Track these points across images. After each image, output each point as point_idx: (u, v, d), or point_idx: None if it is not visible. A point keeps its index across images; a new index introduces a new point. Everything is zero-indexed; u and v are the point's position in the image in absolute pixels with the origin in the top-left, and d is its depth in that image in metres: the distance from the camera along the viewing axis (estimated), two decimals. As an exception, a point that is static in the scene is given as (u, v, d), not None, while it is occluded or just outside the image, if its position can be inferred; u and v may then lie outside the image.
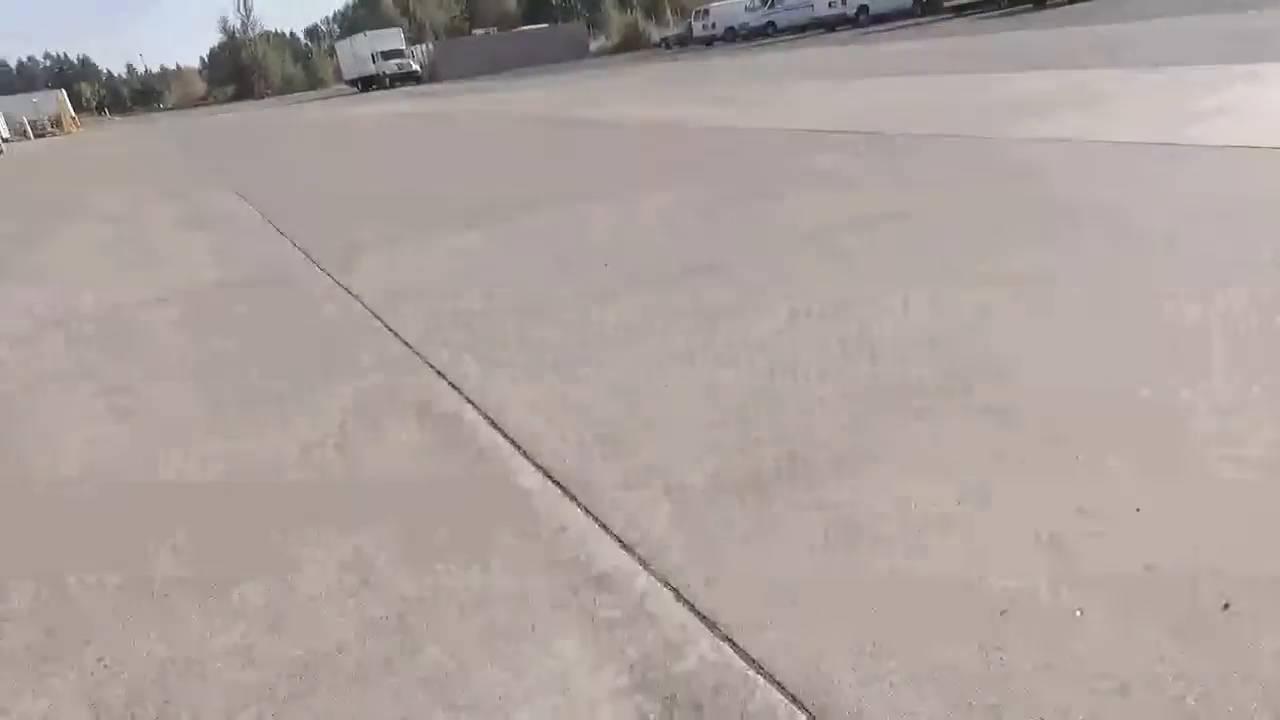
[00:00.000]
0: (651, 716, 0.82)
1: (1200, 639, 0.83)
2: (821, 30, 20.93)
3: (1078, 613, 0.88)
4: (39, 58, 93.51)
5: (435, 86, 24.36)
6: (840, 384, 1.46)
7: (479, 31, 38.29)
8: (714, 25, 26.27)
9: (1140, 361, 1.40)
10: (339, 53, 35.34)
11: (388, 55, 29.86)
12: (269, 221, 4.08)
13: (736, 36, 24.60)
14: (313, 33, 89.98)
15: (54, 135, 25.03)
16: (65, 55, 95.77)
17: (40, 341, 2.50)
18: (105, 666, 1.01)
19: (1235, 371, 1.32)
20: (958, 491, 1.11)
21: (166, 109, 56.83)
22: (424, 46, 32.28)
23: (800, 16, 22.44)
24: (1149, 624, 0.85)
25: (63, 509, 1.45)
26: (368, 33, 30.98)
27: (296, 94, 46.28)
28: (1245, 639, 0.82)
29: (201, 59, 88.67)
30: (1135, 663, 0.81)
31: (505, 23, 43.80)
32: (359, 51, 30.62)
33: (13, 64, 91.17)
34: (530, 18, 45.67)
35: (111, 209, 5.42)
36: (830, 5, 21.28)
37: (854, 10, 20.92)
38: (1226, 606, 0.86)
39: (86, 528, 1.37)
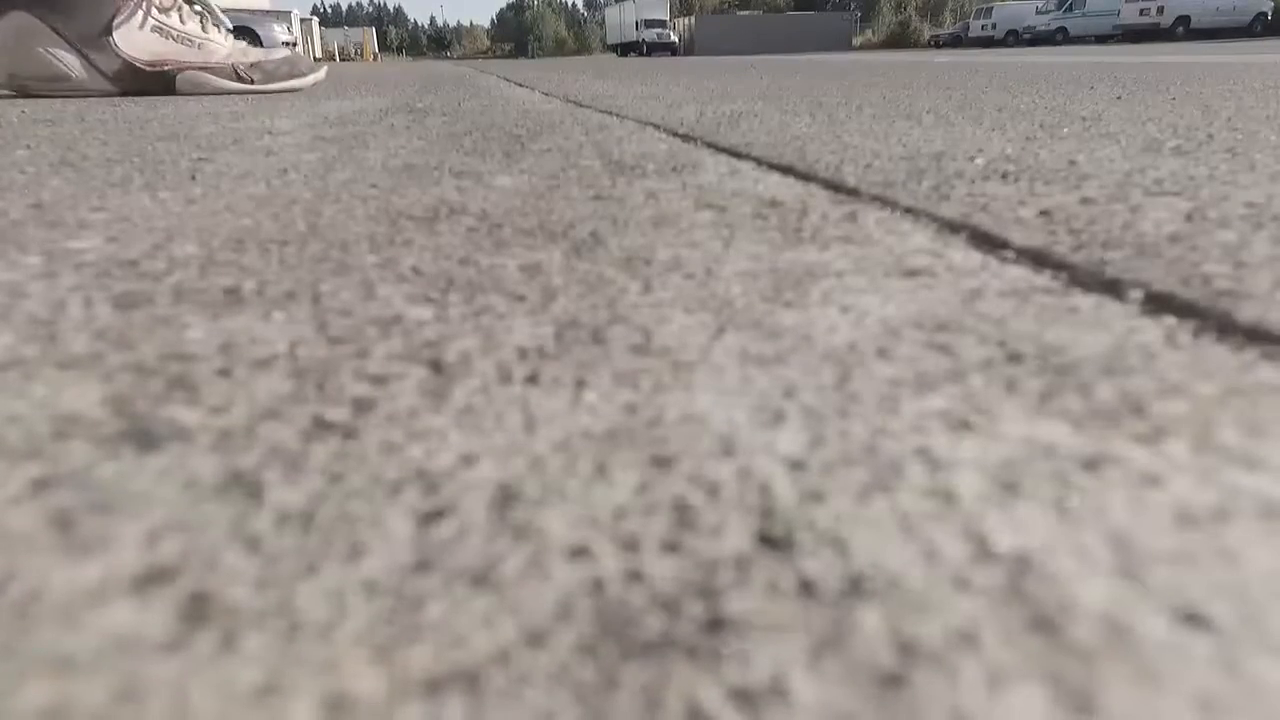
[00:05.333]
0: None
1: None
2: (1121, 41, 18.28)
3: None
4: (364, 3, 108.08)
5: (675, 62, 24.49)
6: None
7: (743, 12, 38.19)
8: (994, 27, 23.96)
9: None
10: (606, 17, 36.66)
11: (650, 24, 30.17)
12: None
13: (1019, 41, 22.23)
14: (591, 3, 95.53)
15: (354, 61, 28.56)
16: (384, 4, 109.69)
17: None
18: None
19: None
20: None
21: (451, 58, 62.99)
22: (687, 20, 32.57)
23: (1100, 25, 19.80)
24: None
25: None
26: (636, 0, 31.71)
27: (563, 56, 49.09)
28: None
29: (492, 19, 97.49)
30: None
31: (773, 11, 43.36)
32: (625, 18, 31.40)
33: (344, 7, 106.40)
34: (802, 9, 44.85)
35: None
36: (1142, 14, 18.57)
37: (1170, 21, 18.12)
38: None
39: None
